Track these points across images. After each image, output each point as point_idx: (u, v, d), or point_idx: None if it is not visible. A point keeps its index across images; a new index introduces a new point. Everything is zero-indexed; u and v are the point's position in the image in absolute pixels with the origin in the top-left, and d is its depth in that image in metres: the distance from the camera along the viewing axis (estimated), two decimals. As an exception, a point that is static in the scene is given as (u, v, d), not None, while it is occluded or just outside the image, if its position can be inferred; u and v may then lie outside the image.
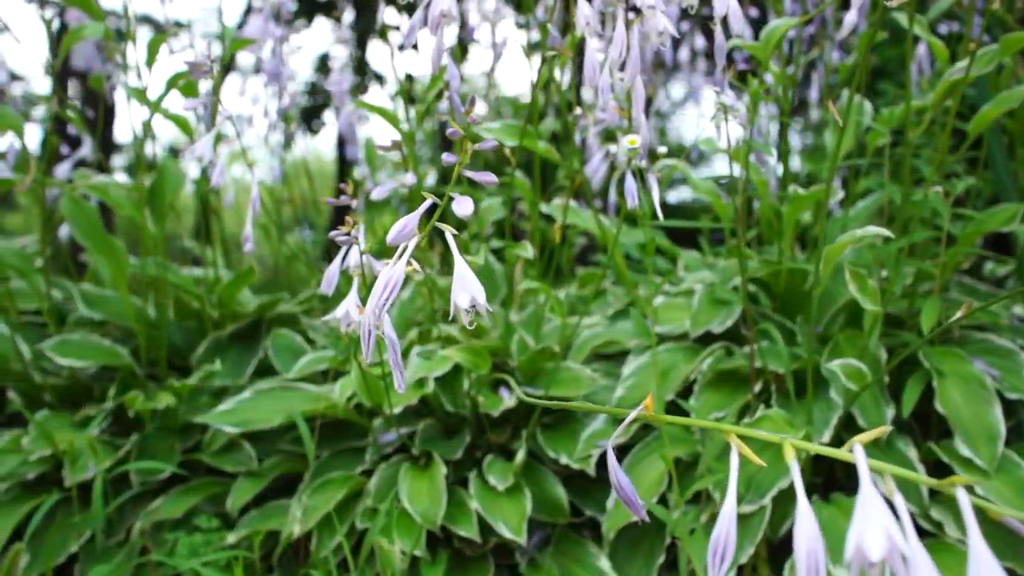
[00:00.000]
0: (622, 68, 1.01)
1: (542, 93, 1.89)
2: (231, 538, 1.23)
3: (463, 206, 0.67)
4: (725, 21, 0.98)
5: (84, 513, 1.29)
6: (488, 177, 0.68)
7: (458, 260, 0.66)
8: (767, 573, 1.17)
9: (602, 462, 1.27)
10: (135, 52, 1.52)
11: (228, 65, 1.61)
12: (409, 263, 0.67)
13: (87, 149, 1.77)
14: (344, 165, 5.59)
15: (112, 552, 1.25)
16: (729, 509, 0.54)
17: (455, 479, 1.25)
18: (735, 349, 1.31)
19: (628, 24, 0.96)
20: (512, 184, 1.36)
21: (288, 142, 2.41)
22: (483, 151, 0.69)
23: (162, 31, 2.08)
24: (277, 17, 1.92)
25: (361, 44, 5.90)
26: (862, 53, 1.32)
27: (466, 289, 0.65)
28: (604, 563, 1.18)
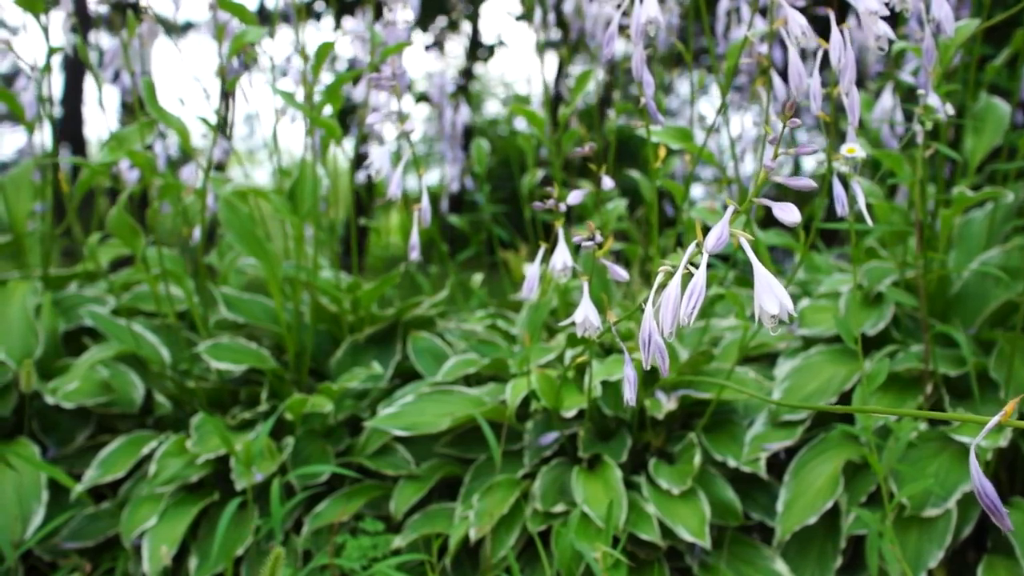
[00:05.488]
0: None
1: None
2: (398, 541, 1.24)
3: (788, 213, 0.66)
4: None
5: (245, 516, 1.30)
6: (806, 182, 0.68)
7: (758, 266, 0.65)
8: (943, 576, 1.17)
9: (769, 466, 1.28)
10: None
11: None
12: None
13: (218, 151, 1.78)
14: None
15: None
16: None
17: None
18: (903, 350, 1.30)
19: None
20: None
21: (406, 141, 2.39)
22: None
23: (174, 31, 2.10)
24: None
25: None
26: (1017, 47, 1.32)
27: (773, 295, 0.65)
28: (780, 566, 1.18)
